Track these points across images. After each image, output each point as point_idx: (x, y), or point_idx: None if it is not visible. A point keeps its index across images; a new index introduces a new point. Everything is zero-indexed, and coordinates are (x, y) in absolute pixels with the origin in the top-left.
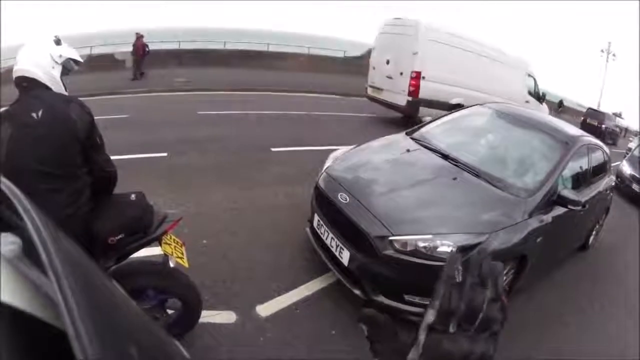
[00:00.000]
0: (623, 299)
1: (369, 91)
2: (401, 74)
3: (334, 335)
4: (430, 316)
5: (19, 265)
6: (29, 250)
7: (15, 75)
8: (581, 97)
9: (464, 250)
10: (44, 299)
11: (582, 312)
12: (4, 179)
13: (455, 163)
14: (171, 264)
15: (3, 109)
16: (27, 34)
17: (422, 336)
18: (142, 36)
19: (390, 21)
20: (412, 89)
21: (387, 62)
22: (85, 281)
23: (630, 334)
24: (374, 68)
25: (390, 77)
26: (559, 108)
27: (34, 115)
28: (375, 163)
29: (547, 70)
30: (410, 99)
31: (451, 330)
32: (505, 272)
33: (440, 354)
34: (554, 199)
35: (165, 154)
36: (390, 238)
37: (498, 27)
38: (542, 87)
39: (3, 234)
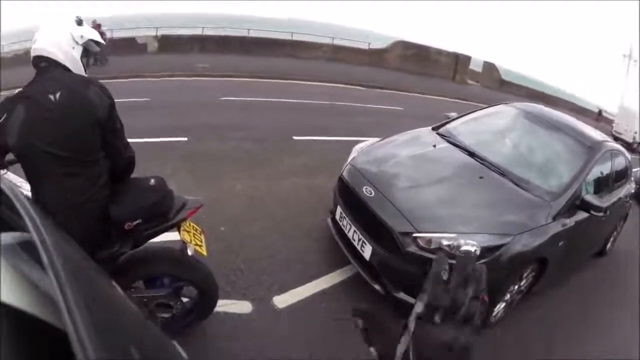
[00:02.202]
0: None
1: None
2: None
3: (353, 330)
4: (418, 308)
5: (19, 265)
6: (29, 250)
7: (33, 54)
8: (603, 102)
9: (488, 250)
10: (44, 299)
11: (597, 317)
12: (4, 179)
13: (481, 161)
14: (189, 252)
15: (17, 90)
16: (32, 18)
17: (411, 325)
18: (99, 25)
19: None
20: None
21: None
22: (85, 282)
23: None
24: None
25: None
26: (597, 117)
27: (51, 97)
28: (401, 157)
29: (570, 75)
30: None
31: (437, 320)
32: (526, 274)
33: (428, 340)
34: (577, 204)
35: (185, 139)
36: (415, 235)
37: (521, 30)
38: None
39: (3, 234)
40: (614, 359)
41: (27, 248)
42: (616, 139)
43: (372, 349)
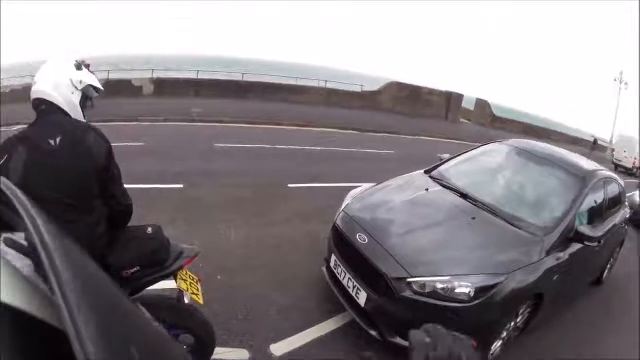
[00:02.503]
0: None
1: None
2: None
3: None
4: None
5: (19, 265)
6: (29, 250)
7: (33, 96)
8: (595, 128)
9: (482, 290)
10: (44, 299)
11: (595, 348)
12: (4, 179)
13: (474, 202)
14: (186, 300)
15: (18, 129)
16: (30, 53)
17: None
18: (88, 65)
19: None
20: None
21: None
22: (85, 281)
23: None
24: None
25: None
26: (593, 146)
27: (51, 142)
28: (394, 203)
29: (562, 105)
30: None
31: None
32: (521, 311)
33: None
34: (571, 236)
35: (181, 186)
36: (409, 280)
37: (510, 65)
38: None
39: (3, 234)
40: (613, 359)
41: (27, 248)
42: (617, 166)
43: None
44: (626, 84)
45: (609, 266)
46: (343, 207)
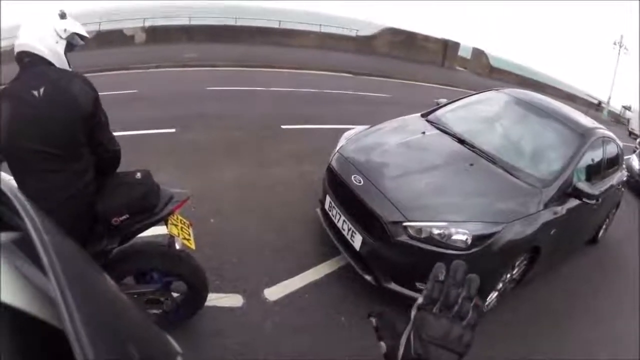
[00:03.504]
0: (631, 293)
1: None
2: None
3: (343, 321)
4: (420, 299)
5: (18, 265)
6: (28, 250)
7: (16, 50)
8: (593, 89)
9: (479, 239)
10: (44, 299)
11: (588, 305)
12: (4, 179)
13: (471, 148)
14: (177, 246)
15: (1, 87)
16: (29, 12)
17: (413, 313)
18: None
19: None
20: None
21: None
22: (85, 281)
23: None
24: None
25: None
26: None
27: (34, 92)
28: (390, 145)
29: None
30: None
31: (434, 311)
32: (518, 262)
33: (425, 327)
34: (569, 191)
35: (173, 130)
36: (405, 224)
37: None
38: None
39: (3, 234)
40: (613, 359)
41: (26, 247)
42: (633, 136)
43: (381, 343)
44: (626, 48)
45: (604, 226)
46: (337, 148)
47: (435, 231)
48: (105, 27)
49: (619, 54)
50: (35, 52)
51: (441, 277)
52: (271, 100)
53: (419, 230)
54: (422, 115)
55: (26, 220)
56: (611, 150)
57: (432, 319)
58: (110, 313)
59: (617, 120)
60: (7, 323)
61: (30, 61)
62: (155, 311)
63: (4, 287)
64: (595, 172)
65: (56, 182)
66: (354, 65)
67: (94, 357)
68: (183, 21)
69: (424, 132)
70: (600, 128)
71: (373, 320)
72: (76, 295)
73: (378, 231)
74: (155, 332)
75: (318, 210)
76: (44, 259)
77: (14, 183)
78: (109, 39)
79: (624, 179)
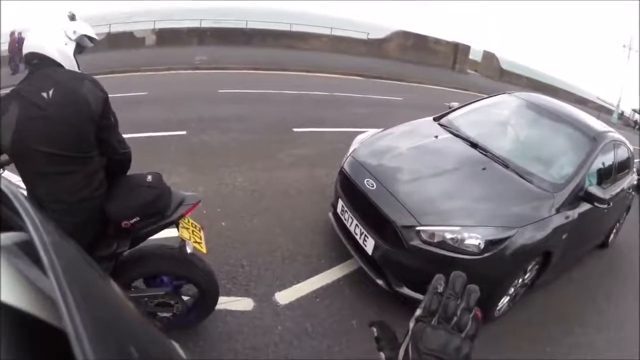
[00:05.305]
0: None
1: None
2: None
3: (354, 326)
4: (419, 311)
5: (19, 265)
6: (29, 250)
7: (25, 51)
8: (602, 92)
9: (492, 244)
10: (44, 299)
11: (599, 310)
12: (4, 179)
13: (484, 152)
14: (188, 250)
15: (10, 89)
16: (34, 14)
17: (411, 324)
18: (13, 32)
19: None
20: None
21: None
22: (84, 281)
23: None
24: None
25: None
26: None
27: (44, 94)
28: (402, 149)
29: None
30: None
31: (433, 323)
32: (529, 267)
33: (423, 338)
34: (580, 195)
35: (184, 132)
36: (418, 228)
37: (520, 21)
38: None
39: (3, 234)
40: (614, 359)
41: (27, 248)
42: None
43: (381, 354)
44: (636, 51)
45: (615, 230)
46: (350, 151)
47: (448, 235)
48: (116, 29)
49: (628, 56)
50: (44, 53)
51: (440, 289)
52: (283, 103)
53: (432, 234)
54: (435, 119)
55: (27, 221)
56: (622, 153)
57: (429, 331)
58: (110, 314)
59: (627, 124)
60: (7, 323)
61: (39, 63)
62: (165, 314)
63: (4, 288)
64: (606, 176)
65: (66, 184)
66: (365, 68)
67: (94, 357)
68: (194, 24)
69: (436, 136)
70: (611, 131)
71: (374, 330)
72: (76, 295)
73: (391, 235)
74: (159, 337)
75: (330, 214)
76: (45, 260)
77: (21, 185)
78: (119, 42)
79: (635, 182)
